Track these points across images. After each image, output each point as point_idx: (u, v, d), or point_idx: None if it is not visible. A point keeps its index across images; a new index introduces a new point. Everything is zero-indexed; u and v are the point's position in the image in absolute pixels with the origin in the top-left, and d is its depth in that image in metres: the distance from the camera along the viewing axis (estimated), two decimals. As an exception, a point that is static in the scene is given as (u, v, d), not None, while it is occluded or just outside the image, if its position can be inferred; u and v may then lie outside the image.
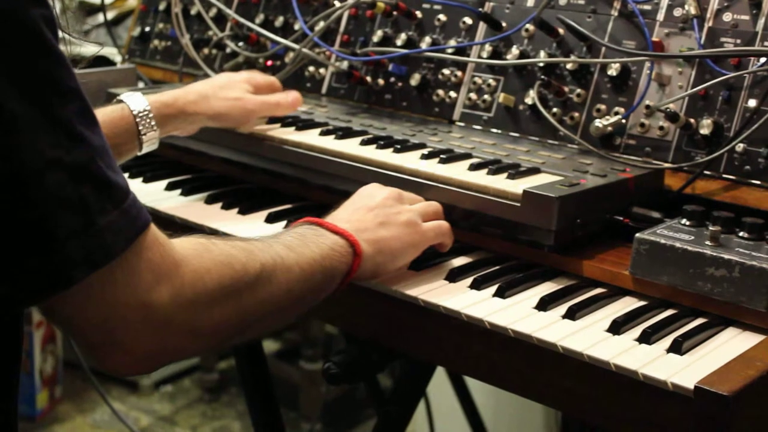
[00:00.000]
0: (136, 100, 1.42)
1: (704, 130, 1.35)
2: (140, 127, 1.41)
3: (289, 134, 1.51)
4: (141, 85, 1.93)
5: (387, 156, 1.39)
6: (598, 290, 1.21)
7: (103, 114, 1.40)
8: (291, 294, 1.02)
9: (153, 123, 1.42)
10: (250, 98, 1.50)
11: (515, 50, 1.57)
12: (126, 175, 1.61)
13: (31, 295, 0.83)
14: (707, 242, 1.13)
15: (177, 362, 0.95)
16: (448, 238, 1.25)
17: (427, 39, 1.67)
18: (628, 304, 1.17)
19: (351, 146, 1.44)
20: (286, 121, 1.57)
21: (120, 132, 1.40)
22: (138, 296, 0.87)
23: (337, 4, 1.76)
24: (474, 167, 1.33)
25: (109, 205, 0.84)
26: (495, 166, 1.32)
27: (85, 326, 0.87)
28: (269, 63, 1.85)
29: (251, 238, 1.04)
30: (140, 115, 1.41)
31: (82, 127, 0.83)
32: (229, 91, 1.49)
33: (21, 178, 0.79)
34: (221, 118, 1.49)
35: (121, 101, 1.42)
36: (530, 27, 1.56)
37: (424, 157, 1.38)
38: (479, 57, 1.61)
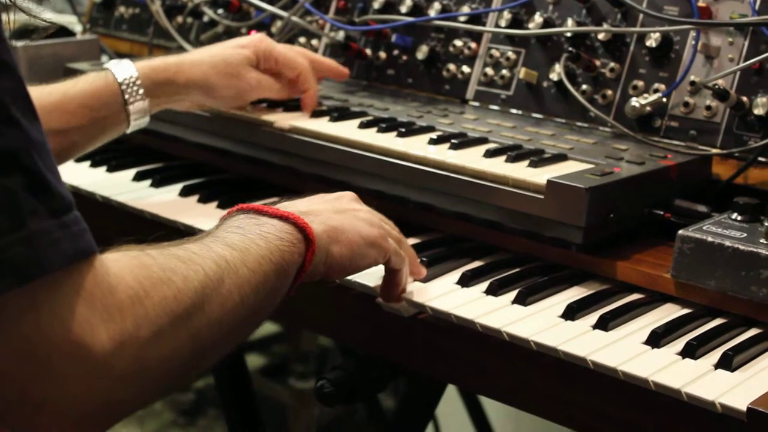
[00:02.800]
0: (122, 68, 1.44)
1: (759, 110, 1.34)
2: (126, 96, 1.42)
3: (277, 116, 1.51)
4: (105, 59, 1.93)
5: (390, 141, 1.39)
6: (635, 296, 1.21)
7: (84, 82, 1.42)
8: (244, 303, 0.96)
9: (141, 91, 1.43)
10: (249, 78, 1.49)
11: (538, 18, 1.56)
12: (87, 163, 1.66)
13: None
14: (762, 240, 1.12)
15: (119, 421, 0.88)
16: (404, 257, 1.18)
17: (436, 5, 1.67)
18: (669, 313, 1.17)
19: (348, 130, 1.44)
20: (273, 101, 1.56)
21: (104, 103, 1.42)
22: (68, 331, 0.79)
23: (332, -36, 1.77)
24: (490, 154, 1.33)
25: (44, 210, 0.78)
26: (515, 153, 1.32)
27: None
28: (253, 33, 1.85)
29: (184, 241, 0.97)
30: (126, 82, 1.42)
31: (16, 111, 0.78)
32: (228, 64, 1.48)
33: None
34: (215, 96, 1.49)
35: (106, 69, 1.44)
36: (556, -9, 1.56)
37: (433, 141, 1.38)
38: (497, 26, 1.60)
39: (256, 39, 1.53)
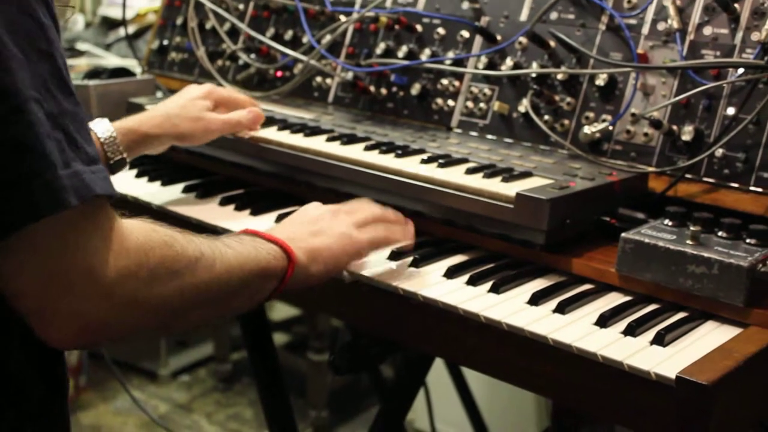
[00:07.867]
0: (102, 127, 1.40)
1: (686, 137, 1.35)
2: (108, 153, 1.39)
3: (298, 140, 1.51)
4: (159, 94, 1.94)
5: (389, 161, 1.40)
6: (587, 286, 1.21)
7: None
8: (228, 285, 1.00)
9: (120, 148, 1.40)
10: (212, 119, 1.48)
11: (509, 61, 1.57)
12: (145, 179, 1.66)
13: (19, 215, 0.79)
14: (688, 241, 1.13)
15: (116, 340, 0.91)
16: (389, 240, 1.23)
17: (427, 51, 1.67)
18: (614, 300, 1.18)
19: (355, 151, 1.44)
20: (294, 128, 1.57)
21: None
22: (84, 258, 0.82)
23: (343, 18, 1.77)
24: (470, 171, 1.33)
25: (79, 159, 0.83)
26: (490, 170, 1.32)
27: (27, 284, 0.82)
28: (279, 74, 1.85)
29: (195, 234, 1.02)
30: (107, 141, 1.39)
31: (53, 87, 0.83)
32: (190, 111, 1.47)
33: (12, 101, 0.79)
34: (185, 138, 1.48)
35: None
36: (523, 40, 1.56)
37: (424, 161, 1.38)
38: (476, 68, 1.61)
39: (206, 90, 1.52)
